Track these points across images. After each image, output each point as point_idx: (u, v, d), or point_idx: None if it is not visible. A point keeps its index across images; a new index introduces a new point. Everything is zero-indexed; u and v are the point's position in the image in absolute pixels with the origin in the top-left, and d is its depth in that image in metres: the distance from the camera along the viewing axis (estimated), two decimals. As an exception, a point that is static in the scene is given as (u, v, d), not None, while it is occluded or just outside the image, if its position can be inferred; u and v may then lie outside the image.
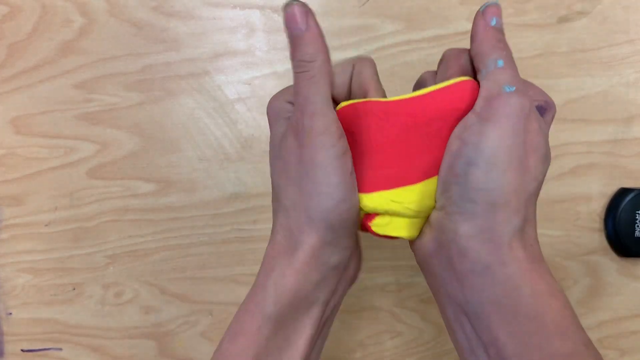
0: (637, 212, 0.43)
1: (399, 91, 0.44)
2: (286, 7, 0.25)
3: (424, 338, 0.45)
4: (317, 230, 0.27)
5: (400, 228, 0.28)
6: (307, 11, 0.26)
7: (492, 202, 0.25)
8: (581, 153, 0.44)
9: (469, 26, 0.43)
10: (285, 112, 0.29)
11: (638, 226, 0.43)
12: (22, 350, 0.45)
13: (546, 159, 0.27)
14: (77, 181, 0.44)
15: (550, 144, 0.44)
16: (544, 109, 0.28)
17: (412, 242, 0.30)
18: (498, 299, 0.25)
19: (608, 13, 0.43)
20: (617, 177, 0.44)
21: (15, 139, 0.44)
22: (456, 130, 0.27)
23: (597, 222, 0.45)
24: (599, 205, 0.44)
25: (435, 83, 0.29)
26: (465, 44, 0.45)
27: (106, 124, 0.44)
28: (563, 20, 0.44)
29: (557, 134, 0.44)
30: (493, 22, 0.28)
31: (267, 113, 0.30)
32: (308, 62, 0.26)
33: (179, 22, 0.44)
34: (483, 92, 0.26)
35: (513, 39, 0.43)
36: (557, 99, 0.44)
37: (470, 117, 0.26)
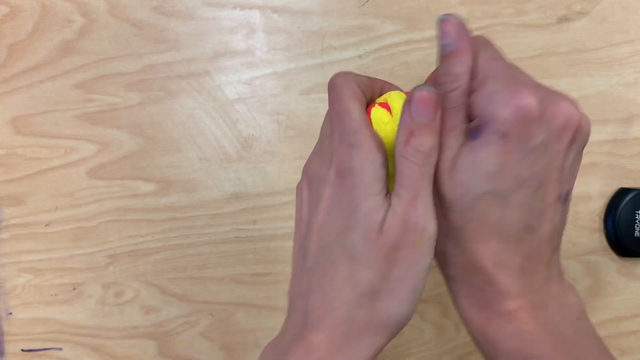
0: (637, 212, 0.43)
1: (398, 91, 0.44)
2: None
3: (423, 338, 0.45)
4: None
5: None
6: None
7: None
8: (581, 153, 0.44)
9: (469, 26, 0.43)
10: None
11: (638, 226, 0.43)
12: (22, 350, 0.45)
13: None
14: (77, 181, 0.44)
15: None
16: (476, 130, 0.24)
17: None
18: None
19: (608, 13, 0.44)
20: (617, 177, 0.44)
21: (15, 139, 0.44)
22: None
23: (597, 222, 0.45)
24: (598, 205, 0.44)
25: None
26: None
27: (106, 124, 0.44)
28: (563, 20, 0.44)
29: (557, 134, 0.44)
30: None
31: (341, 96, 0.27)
32: (423, 153, 0.25)
33: (179, 22, 0.44)
34: None
35: (512, 40, 0.44)
36: (556, 99, 0.44)
37: None
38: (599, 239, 0.45)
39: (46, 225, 0.45)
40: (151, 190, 0.44)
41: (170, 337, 0.45)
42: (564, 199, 0.25)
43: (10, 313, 0.45)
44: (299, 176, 0.45)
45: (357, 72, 0.43)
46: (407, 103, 0.25)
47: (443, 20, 0.25)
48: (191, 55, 0.44)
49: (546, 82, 0.43)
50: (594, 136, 0.44)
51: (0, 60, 0.44)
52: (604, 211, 0.44)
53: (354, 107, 0.26)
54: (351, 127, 0.26)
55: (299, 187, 0.29)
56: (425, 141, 0.24)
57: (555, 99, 0.23)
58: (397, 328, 0.26)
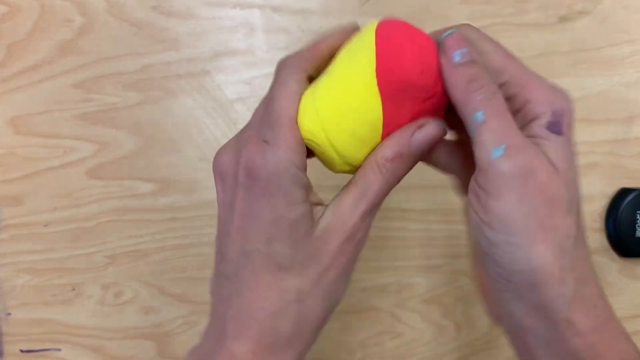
0: (638, 212, 0.43)
1: (399, 91, 0.44)
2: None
3: (424, 339, 0.45)
4: None
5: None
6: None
7: (530, 282, 0.22)
8: (582, 153, 0.44)
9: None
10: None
11: (639, 226, 0.43)
12: (21, 350, 0.45)
13: (571, 206, 0.22)
14: (77, 181, 0.44)
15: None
16: (556, 124, 0.23)
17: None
18: None
19: (609, 13, 0.43)
20: (618, 177, 0.44)
21: (14, 139, 0.44)
22: (470, 199, 0.23)
23: (598, 222, 0.44)
24: (599, 205, 0.44)
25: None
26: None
27: (105, 124, 0.44)
28: (564, 19, 0.44)
29: (558, 133, 0.44)
30: (456, 59, 0.23)
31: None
32: (397, 179, 0.25)
33: (179, 21, 0.44)
34: (477, 159, 0.23)
35: (513, 39, 0.43)
36: (557, 98, 0.44)
37: (476, 189, 0.23)
38: (599, 239, 0.45)
39: (45, 225, 0.45)
40: (150, 191, 0.44)
41: (170, 338, 0.45)
42: None
43: (9, 313, 0.45)
44: (299, 176, 0.45)
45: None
46: (420, 127, 0.24)
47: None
48: (190, 54, 0.44)
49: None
50: (595, 136, 0.44)
51: (-1, 59, 0.44)
52: (605, 211, 0.44)
53: (281, 95, 0.24)
54: (270, 119, 0.24)
55: (215, 175, 0.27)
56: (405, 169, 0.25)
57: None
58: (320, 330, 0.26)
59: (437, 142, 0.24)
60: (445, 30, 0.24)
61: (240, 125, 0.45)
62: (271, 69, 0.44)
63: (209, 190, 0.44)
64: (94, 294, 0.45)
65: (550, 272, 0.22)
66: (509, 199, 0.21)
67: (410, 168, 0.25)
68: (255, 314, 0.24)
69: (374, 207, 0.25)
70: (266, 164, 0.23)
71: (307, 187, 0.24)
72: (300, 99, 0.25)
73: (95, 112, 0.44)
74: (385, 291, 0.45)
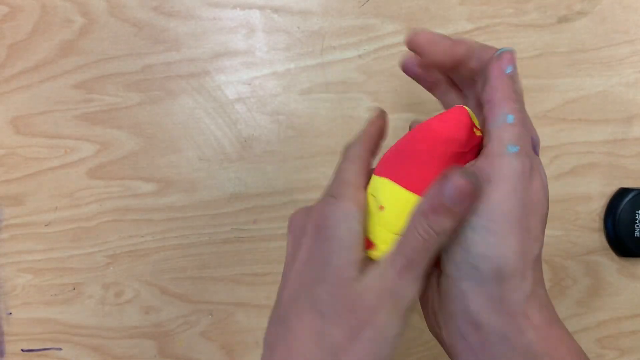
0: (637, 212, 0.43)
1: (398, 91, 0.44)
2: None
3: (423, 338, 0.45)
4: None
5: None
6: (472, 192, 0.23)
7: (497, 269, 0.23)
8: (581, 153, 0.44)
9: (469, 26, 0.43)
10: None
11: (638, 226, 0.43)
12: (22, 350, 0.45)
13: (546, 217, 0.25)
14: (77, 181, 0.44)
15: (550, 144, 0.44)
16: (534, 146, 0.26)
17: (424, 312, 0.29)
18: None
19: (608, 13, 0.44)
20: (617, 177, 0.44)
21: (15, 139, 0.44)
22: None
23: (597, 222, 0.45)
24: (598, 205, 0.44)
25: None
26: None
27: (106, 124, 0.44)
28: (563, 20, 0.44)
29: (557, 134, 0.44)
30: (508, 70, 0.26)
31: None
32: (435, 233, 0.24)
33: (179, 22, 0.44)
34: (485, 148, 0.25)
35: (513, 39, 0.44)
36: (556, 99, 0.44)
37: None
38: (599, 239, 0.45)
39: (46, 225, 0.45)
40: (151, 190, 0.44)
41: (170, 337, 0.45)
42: None
43: (10, 313, 0.45)
44: (299, 176, 0.45)
45: (357, 72, 0.44)
46: (445, 179, 0.24)
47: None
48: (191, 55, 0.44)
49: (546, 82, 0.44)
50: (594, 136, 0.44)
51: (0, 60, 0.44)
52: (604, 211, 0.44)
53: (350, 167, 0.27)
54: (338, 181, 0.27)
55: (288, 232, 0.29)
56: (444, 223, 0.24)
57: None
58: None
59: (472, 193, 0.24)
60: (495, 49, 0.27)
61: (240, 125, 0.45)
62: (271, 69, 0.45)
63: (209, 190, 0.44)
64: (95, 293, 0.45)
65: (515, 265, 0.24)
66: (505, 188, 0.24)
67: (450, 224, 0.24)
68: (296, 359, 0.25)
69: (414, 264, 0.24)
70: (330, 213, 0.25)
71: (361, 239, 0.25)
72: (366, 173, 0.28)
73: (96, 113, 0.44)
74: (385, 291, 0.45)
